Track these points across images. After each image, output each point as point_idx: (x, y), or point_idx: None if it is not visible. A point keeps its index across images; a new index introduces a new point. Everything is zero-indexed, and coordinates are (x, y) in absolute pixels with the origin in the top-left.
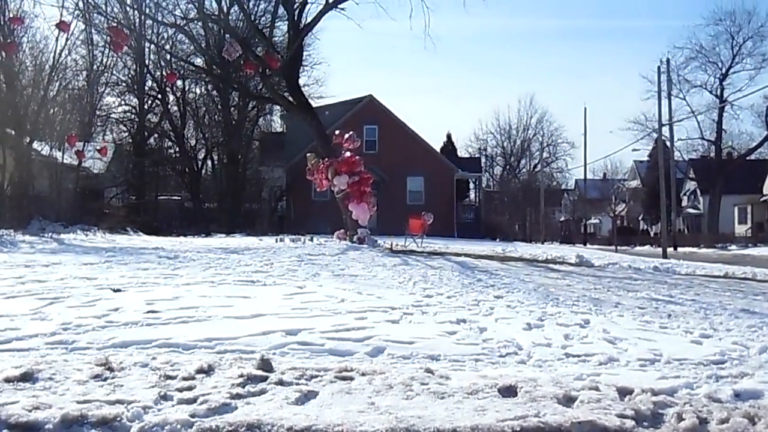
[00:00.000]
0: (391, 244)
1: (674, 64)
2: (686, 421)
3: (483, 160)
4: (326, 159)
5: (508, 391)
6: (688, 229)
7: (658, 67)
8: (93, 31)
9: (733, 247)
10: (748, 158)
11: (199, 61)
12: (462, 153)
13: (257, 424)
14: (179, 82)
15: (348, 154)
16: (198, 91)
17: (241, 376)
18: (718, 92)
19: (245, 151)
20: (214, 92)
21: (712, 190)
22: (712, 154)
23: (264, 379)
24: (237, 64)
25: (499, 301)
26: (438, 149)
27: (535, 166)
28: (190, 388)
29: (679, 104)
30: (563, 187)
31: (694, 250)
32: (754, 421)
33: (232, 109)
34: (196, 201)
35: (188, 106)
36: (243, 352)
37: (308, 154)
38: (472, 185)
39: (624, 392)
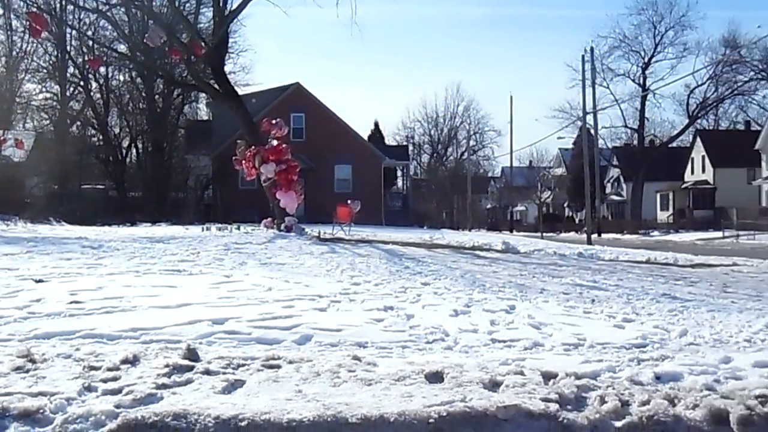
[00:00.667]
0: (319, 233)
1: (598, 53)
2: (608, 403)
3: (410, 148)
4: (253, 147)
5: (435, 377)
6: (612, 216)
7: (582, 56)
8: (12, 16)
9: (656, 233)
10: (669, 146)
11: (122, 48)
12: (389, 141)
13: (183, 413)
14: (102, 69)
15: (275, 142)
16: (122, 78)
17: (167, 366)
18: (641, 81)
19: (170, 140)
20: (138, 79)
21: (635, 178)
22: (635, 142)
23: (190, 368)
24: (161, 50)
25: (426, 288)
26: (366, 137)
27: (462, 154)
28: (114, 379)
29: (603, 93)
30: (490, 174)
31: (618, 236)
32: (674, 402)
33: (157, 96)
34: (120, 190)
35: (111, 94)
36: (169, 341)
37: (238, 142)
38: (399, 173)
39: (548, 376)
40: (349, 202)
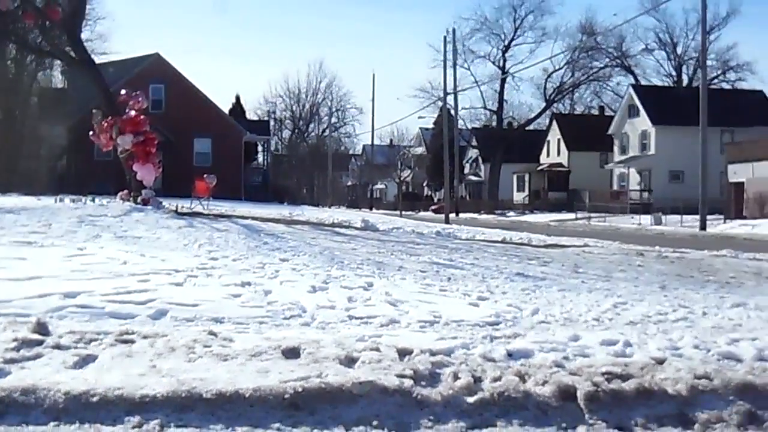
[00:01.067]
0: (177, 206)
1: (460, 34)
2: (462, 380)
3: (272, 123)
4: (110, 117)
5: (292, 353)
6: (470, 196)
7: (444, 37)
8: None
9: (512, 213)
10: (527, 128)
11: None
12: (251, 116)
13: (32, 389)
14: None
15: (133, 113)
16: None
17: (15, 340)
18: (501, 64)
19: (23, 107)
20: None
21: (493, 159)
22: (494, 124)
23: (40, 343)
24: (14, 14)
25: (284, 264)
26: (227, 111)
27: (324, 131)
28: None
29: (463, 74)
30: (351, 152)
31: (475, 216)
32: (525, 379)
33: (9, 62)
34: None
35: None
36: (18, 315)
37: (94, 111)
38: (260, 148)
39: (404, 353)
40: (205, 176)
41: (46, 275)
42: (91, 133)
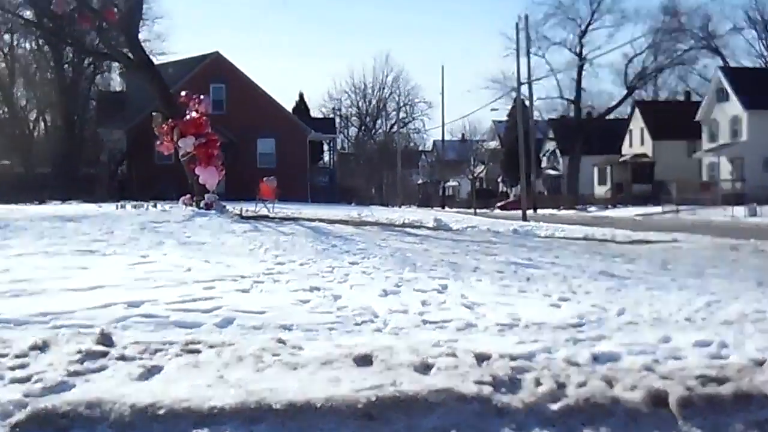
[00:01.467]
0: (241, 210)
1: (533, 20)
2: (544, 385)
3: (337, 120)
4: (170, 120)
5: (364, 360)
6: (548, 191)
7: (516, 24)
8: None
9: (593, 208)
10: (607, 118)
11: (28, 14)
12: (315, 113)
13: (97, 402)
14: (6, 37)
15: (194, 114)
16: (28, 46)
17: (79, 352)
18: (578, 50)
19: (81, 112)
20: (46, 48)
21: (572, 151)
22: (572, 114)
23: (104, 354)
24: (70, 17)
25: (354, 267)
26: (290, 109)
27: (392, 127)
28: (23, 366)
29: (538, 62)
30: (421, 148)
31: (554, 212)
32: (612, 384)
33: (66, 66)
34: (27, 166)
35: (17, 63)
36: (81, 326)
37: (154, 114)
38: (326, 147)
39: (482, 358)
40: (264, 179)
41: (109, 284)
42: (154, 127)
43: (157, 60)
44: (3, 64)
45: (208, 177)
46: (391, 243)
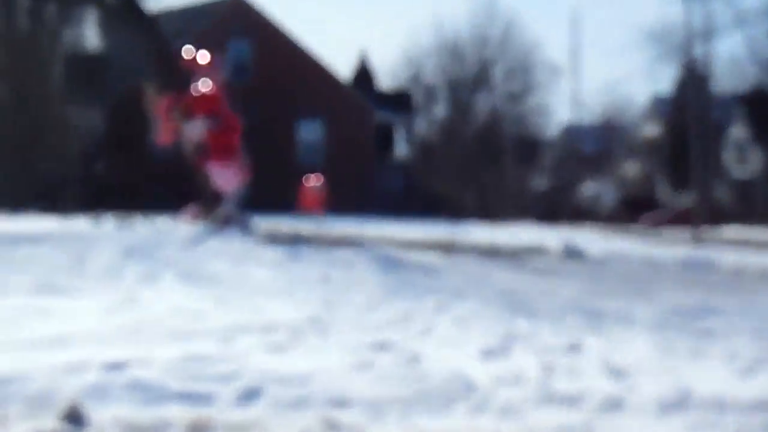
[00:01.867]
0: (274, 228)
1: None
2: None
3: (418, 95)
4: (171, 94)
5: None
6: (735, 200)
7: None
8: None
9: None
10: None
11: None
12: (384, 84)
13: None
14: None
15: (206, 84)
16: None
17: None
18: None
19: (41, 83)
20: None
21: None
22: None
23: None
24: None
25: (441, 314)
26: (346, 78)
27: (498, 104)
28: None
29: (720, 9)
30: (542, 136)
31: (745, 231)
32: None
33: (19, 15)
34: None
35: None
36: (39, 397)
37: (146, 84)
38: (400, 133)
39: None
40: (308, 180)
41: (80, 336)
42: (151, 118)
43: (151, 5)
44: None
45: (226, 178)
46: (497, 278)
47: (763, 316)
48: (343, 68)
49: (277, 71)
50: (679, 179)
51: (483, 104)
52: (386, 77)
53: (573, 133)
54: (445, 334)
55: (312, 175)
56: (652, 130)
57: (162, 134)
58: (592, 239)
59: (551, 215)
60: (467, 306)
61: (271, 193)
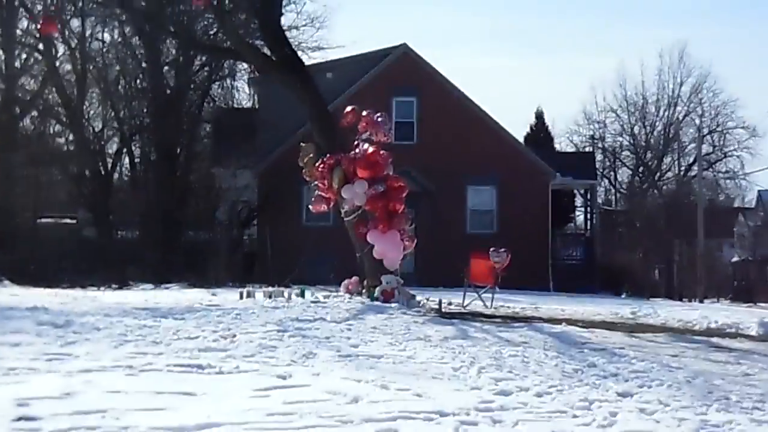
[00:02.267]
0: (440, 303)
1: None
2: None
3: (599, 157)
4: (328, 155)
5: None
6: None
7: None
8: None
9: None
10: None
11: None
12: (562, 145)
13: None
14: (74, 23)
15: (368, 148)
16: (108, 37)
17: None
18: None
19: (188, 142)
20: (135, 39)
21: None
22: None
23: None
24: None
25: (625, 401)
26: (521, 138)
27: (690, 167)
28: None
29: None
30: (737, 204)
31: None
32: None
33: (166, 68)
34: (102, 226)
35: (90, 65)
36: None
37: (302, 145)
38: (579, 200)
39: None
40: (492, 251)
41: (228, 421)
42: (302, 165)
43: (308, 58)
44: (68, 66)
45: (389, 248)
46: (688, 362)
47: None
48: (518, 127)
49: (446, 130)
50: None
51: (671, 168)
52: (565, 138)
53: None
54: (629, 425)
55: (491, 250)
56: None
57: (319, 200)
58: None
59: (747, 291)
60: (655, 393)
61: (438, 263)
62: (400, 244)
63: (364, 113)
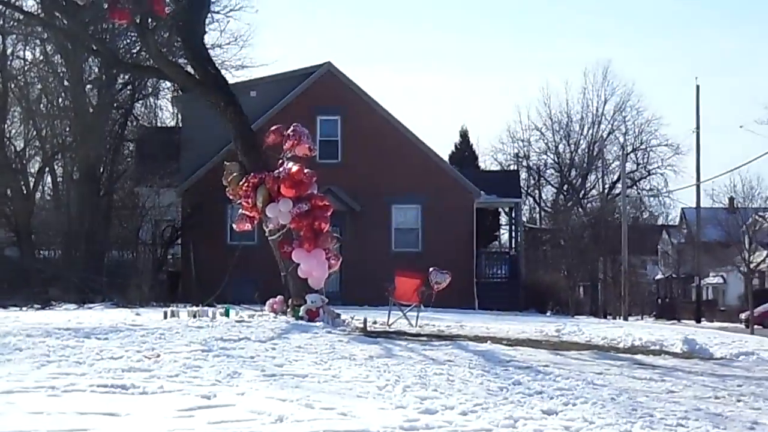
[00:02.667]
0: (365, 322)
1: None
2: None
3: (523, 175)
4: (253, 174)
5: None
6: None
7: None
8: None
9: None
10: None
11: (30, 4)
12: (487, 163)
13: None
14: None
15: (293, 166)
16: (29, 56)
17: None
18: None
19: (111, 162)
20: (57, 58)
21: None
22: None
23: None
24: (95, 9)
25: (550, 419)
26: (446, 156)
27: (614, 185)
28: None
29: None
30: (661, 222)
31: None
32: None
33: (89, 87)
34: (25, 245)
35: (11, 82)
36: None
37: (226, 164)
38: (504, 218)
39: None
40: (432, 270)
41: None
42: (225, 185)
43: (232, 77)
44: None
45: (314, 267)
46: (612, 379)
47: None
48: (442, 146)
49: (371, 148)
50: None
51: (595, 187)
52: (489, 156)
53: (694, 218)
54: None
55: (432, 269)
56: None
57: (242, 219)
58: (716, 336)
59: (670, 309)
60: (579, 411)
61: (364, 282)
62: (326, 263)
63: (291, 129)
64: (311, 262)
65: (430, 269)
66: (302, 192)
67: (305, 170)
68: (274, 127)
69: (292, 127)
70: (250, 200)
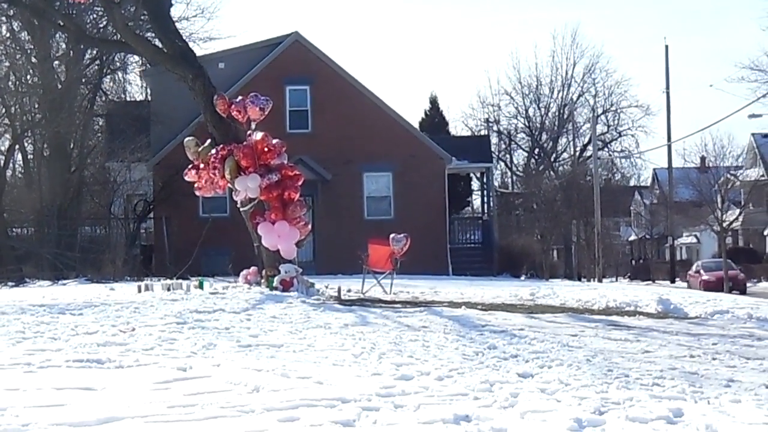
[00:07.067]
0: (339, 290)
1: None
2: None
3: (494, 140)
4: (222, 146)
5: None
6: None
7: None
8: None
9: None
10: None
11: None
12: (457, 129)
13: None
14: None
15: (259, 135)
16: None
17: None
18: None
19: (81, 136)
20: (24, 34)
21: None
22: None
23: None
24: None
25: (526, 382)
26: (416, 123)
27: (585, 148)
28: None
29: None
30: (633, 183)
31: None
32: None
33: (57, 63)
34: None
35: None
36: None
37: (187, 139)
38: (476, 184)
39: None
40: (392, 236)
41: (129, 415)
42: (192, 160)
43: (200, 49)
44: None
45: (285, 238)
46: (588, 341)
47: None
48: (412, 113)
49: (341, 117)
50: None
51: (567, 150)
52: (459, 122)
53: (666, 178)
54: (531, 405)
55: (392, 236)
56: (755, 172)
57: (206, 187)
58: (690, 295)
59: (644, 270)
60: (555, 373)
61: (337, 251)
62: (297, 233)
63: (251, 100)
64: (283, 233)
65: (390, 236)
66: (271, 161)
67: (274, 140)
68: (240, 99)
69: (255, 98)
70: (219, 171)
